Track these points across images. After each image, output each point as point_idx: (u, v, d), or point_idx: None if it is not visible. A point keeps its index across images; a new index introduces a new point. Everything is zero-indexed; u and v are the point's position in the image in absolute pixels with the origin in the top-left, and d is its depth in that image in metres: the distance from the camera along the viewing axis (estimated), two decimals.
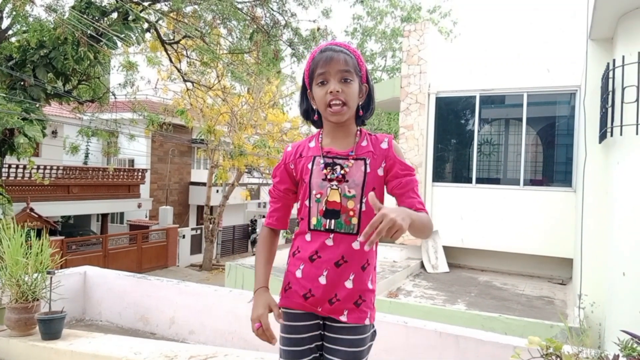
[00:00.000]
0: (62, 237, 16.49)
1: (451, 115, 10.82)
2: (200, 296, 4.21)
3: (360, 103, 1.76)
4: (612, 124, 5.70)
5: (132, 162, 23.04)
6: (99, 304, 4.58)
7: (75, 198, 18.35)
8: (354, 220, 1.69)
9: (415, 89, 10.69)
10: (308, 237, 1.74)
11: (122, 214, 22.58)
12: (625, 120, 5.44)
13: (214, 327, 4.04)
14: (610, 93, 5.75)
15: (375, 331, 1.80)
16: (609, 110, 5.75)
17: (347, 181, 1.70)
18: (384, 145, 1.75)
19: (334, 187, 1.69)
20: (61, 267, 3.93)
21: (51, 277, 3.44)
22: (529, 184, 9.86)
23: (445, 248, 10.29)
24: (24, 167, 15.98)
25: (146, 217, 22.50)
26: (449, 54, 11.17)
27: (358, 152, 1.74)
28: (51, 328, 3.31)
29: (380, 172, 1.73)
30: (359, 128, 1.80)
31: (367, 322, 1.72)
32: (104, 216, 20.59)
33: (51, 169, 17.40)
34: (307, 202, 1.74)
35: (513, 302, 8.02)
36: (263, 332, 1.68)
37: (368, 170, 1.71)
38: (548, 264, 9.69)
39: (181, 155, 24.41)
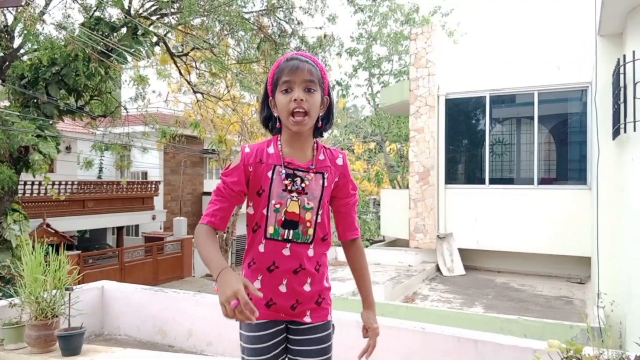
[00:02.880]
0: (79, 252, 16.64)
1: (462, 117, 10.78)
2: (217, 307, 4.20)
3: (320, 114, 1.79)
4: (624, 120, 5.64)
5: (145, 174, 23.25)
6: (117, 318, 4.61)
7: (91, 212, 18.54)
8: (310, 231, 1.77)
9: (425, 91, 10.67)
10: (262, 247, 1.76)
11: (137, 226, 22.77)
12: (638, 116, 5.38)
13: (231, 338, 4.04)
14: (622, 89, 5.69)
15: (333, 325, 1.88)
16: (621, 106, 5.69)
17: (306, 193, 1.75)
18: (340, 162, 1.85)
19: (294, 198, 1.75)
20: (79, 282, 3.96)
21: (69, 294, 3.47)
22: (543, 183, 9.78)
23: (461, 250, 10.22)
24: (40, 184, 16.19)
25: (161, 228, 22.67)
26: (457, 55, 11.14)
27: (317, 166, 1.80)
28: (71, 344, 3.34)
29: (333, 186, 1.83)
30: (315, 140, 1.85)
31: (329, 317, 1.84)
32: (119, 229, 20.77)
33: (66, 184, 17.60)
34: (264, 211, 1.75)
35: (531, 303, 7.94)
36: (241, 310, 1.41)
37: (326, 184, 1.79)
38: (566, 263, 9.58)
39: (193, 166, 24.58)
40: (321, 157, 1.82)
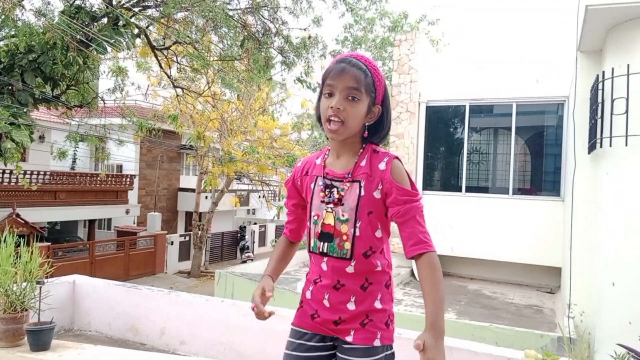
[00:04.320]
0: (49, 244, 16.29)
1: (441, 124, 10.89)
2: (192, 306, 4.16)
3: (367, 124, 1.67)
4: (601, 135, 5.76)
5: (120, 167, 22.90)
6: (88, 314, 4.52)
7: (62, 204, 18.16)
8: (347, 245, 1.64)
9: (406, 97, 10.75)
10: (311, 258, 1.78)
11: (109, 220, 22.39)
12: (615, 132, 5.50)
13: (205, 337, 4.00)
14: (600, 104, 5.81)
15: (392, 353, 1.70)
16: (599, 121, 5.80)
17: (342, 204, 1.65)
18: (382, 166, 1.65)
19: (329, 210, 1.67)
20: (50, 276, 3.87)
21: (40, 287, 3.38)
22: (517, 193, 9.93)
23: None
24: (10, 172, 15.79)
25: (134, 223, 22.33)
26: (440, 63, 11.24)
27: (355, 174, 1.67)
28: (40, 339, 3.25)
29: (377, 194, 1.64)
30: (366, 145, 1.71)
31: (376, 343, 1.64)
32: (91, 222, 20.39)
33: (38, 174, 17.20)
34: (308, 223, 1.75)
35: (502, 311, 8.05)
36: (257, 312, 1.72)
37: (362, 193, 1.64)
38: (536, 272, 9.75)
39: (170, 161, 24.30)
40: (363, 163, 1.68)
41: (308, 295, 1.75)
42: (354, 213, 1.64)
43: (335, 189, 1.67)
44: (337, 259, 1.66)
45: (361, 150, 1.71)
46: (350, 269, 1.65)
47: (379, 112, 1.69)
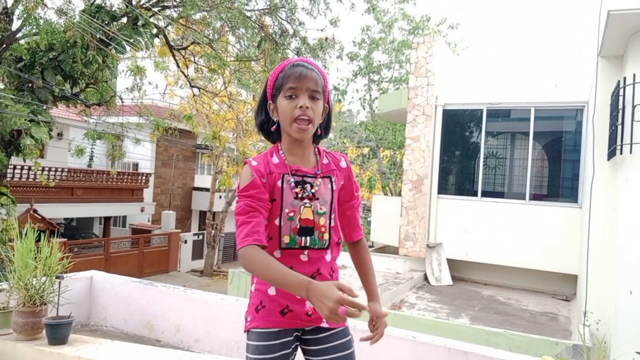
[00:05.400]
0: (64, 239, 16.48)
1: (458, 128, 10.82)
2: (207, 304, 4.19)
3: (320, 122, 1.79)
4: (621, 141, 5.69)
5: (136, 166, 23.12)
6: (105, 309, 4.56)
7: (79, 200, 18.39)
8: (326, 236, 1.77)
9: (423, 100, 10.70)
10: (277, 253, 1.72)
11: (124, 217, 22.61)
12: (635, 139, 5.43)
13: (219, 336, 4.02)
14: (620, 111, 5.74)
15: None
16: (619, 127, 5.73)
17: (317, 199, 1.76)
18: (343, 165, 1.87)
19: (307, 204, 1.74)
20: (68, 271, 3.92)
21: (60, 282, 3.43)
22: (534, 199, 9.83)
23: (449, 261, 10.24)
24: (29, 168, 16.03)
25: (149, 221, 22.53)
26: (457, 67, 11.19)
27: (324, 170, 1.81)
28: (58, 333, 3.30)
29: (338, 188, 1.85)
30: (315, 146, 1.86)
31: (347, 323, 1.80)
32: (107, 219, 20.62)
33: (56, 170, 17.45)
34: (277, 221, 1.72)
35: (517, 318, 7.97)
36: (352, 312, 1.36)
37: (334, 187, 1.82)
38: (552, 279, 9.64)
39: (185, 160, 24.47)
40: (325, 161, 1.84)
41: (272, 292, 1.72)
42: (329, 206, 1.78)
43: (308, 185, 1.76)
44: (317, 249, 1.75)
45: (316, 150, 1.86)
46: (328, 257, 1.79)
47: (327, 110, 1.83)
